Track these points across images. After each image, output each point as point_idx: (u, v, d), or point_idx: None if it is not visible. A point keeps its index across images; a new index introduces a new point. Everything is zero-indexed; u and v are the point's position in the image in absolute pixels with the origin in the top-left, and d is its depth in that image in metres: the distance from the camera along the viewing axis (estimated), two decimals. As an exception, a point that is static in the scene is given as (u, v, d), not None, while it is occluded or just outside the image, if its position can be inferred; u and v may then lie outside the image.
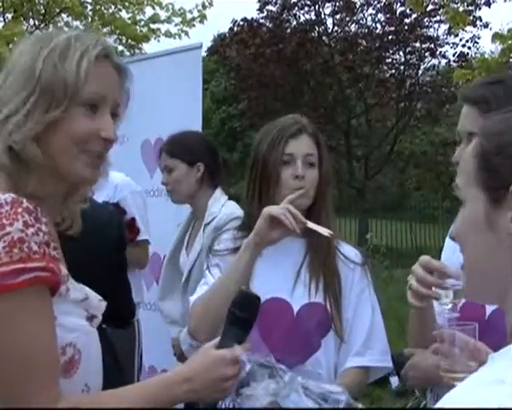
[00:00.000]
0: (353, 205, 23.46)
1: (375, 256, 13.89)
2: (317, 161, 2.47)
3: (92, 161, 1.59)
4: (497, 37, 10.22)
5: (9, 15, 13.29)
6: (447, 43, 24.31)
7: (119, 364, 3.56)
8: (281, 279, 2.42)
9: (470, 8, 20.65)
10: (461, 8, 11.25)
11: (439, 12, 19.55)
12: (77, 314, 1.54)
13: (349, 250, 2.52)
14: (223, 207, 3.38)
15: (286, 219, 2.22)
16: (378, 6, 24.36)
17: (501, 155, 1.13)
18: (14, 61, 1.59)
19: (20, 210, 1.42)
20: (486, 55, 13.76)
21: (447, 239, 2.39)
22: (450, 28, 21.96)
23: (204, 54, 37.99)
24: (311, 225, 2.30)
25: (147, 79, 4.61)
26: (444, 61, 24.95)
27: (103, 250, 2.60)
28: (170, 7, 13.22)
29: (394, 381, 6.97)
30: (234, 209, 3.35)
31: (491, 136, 1.18)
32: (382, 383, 6.41)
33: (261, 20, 24.68)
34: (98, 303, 1.63)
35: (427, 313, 2.15)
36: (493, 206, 1.13)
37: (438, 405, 1.02)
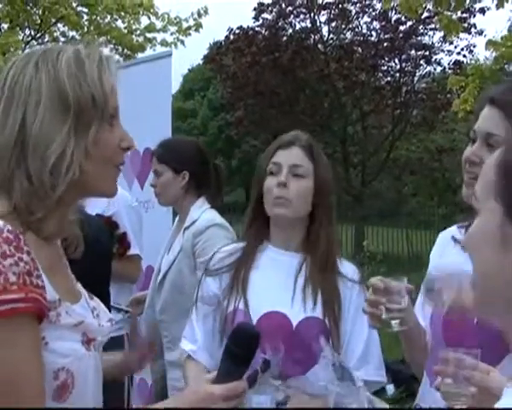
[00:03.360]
0: (350, 212, 23.49)
1: (371, 263, 13.88)
2: (312, 173, 2.47)
3: (116, 176, 1.61)
4: (490, 44, 10.26)
5: (5, 25, 13.32)
6: (442, 51, 24.41)
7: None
8: (279, 293, 2.43)
9: (465, 15, 20.73)
10: (455, 16, 11.29)
11: (434, 20, 19.62)
12: (70, 339, 1.52)
13: (347, 268, 2.53)
14: (203, 213, 3.46)
15: None
16: (373, 14, 24.43)
17: None
18: (27, 87, 1.49)
19: None
20: (482, 62, 13.83)
21: (436, 245, 2.43)
22: (445, 36, 22.03)
23: (200, 62, 38.17)
24: None
25: (123, 88, 4.62)
26: (439, 69, 25.04)
27: (96, 262, 2.64)
28: (165, 16, 13.26)
29: (390, 388, 7.04)
30: (214, 216, 3.45)
31: None
32: (378, 390, 6.44)
33: (257, 29, 24.75)
34: (98, 327, 1.61)
35: (413, 332, 2.18)
36: (510, 222, 1.06)
37: None
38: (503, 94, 2.04)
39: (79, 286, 1.71)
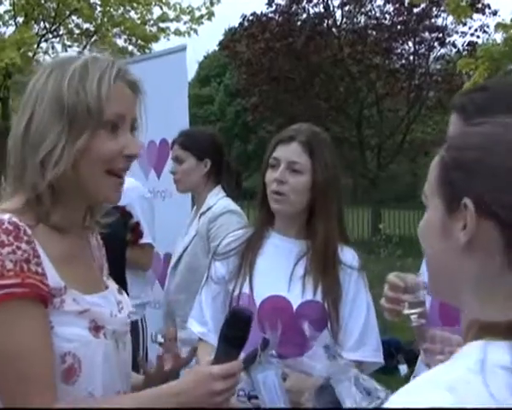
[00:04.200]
0: (366, 195, 23.51)
1: (387, 246, 13.90)
2: (310, 169, 2.54)
3: (116, 183, 1.69)
4: (500, 26, 10.27)
5: (20, 19, 13.51)
6: (456, 32, 24.31)
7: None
8: (281, 278, 2.55)
9: (479, -5, 20.64)
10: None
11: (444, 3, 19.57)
12: (75, 325, 1.60)
13: (347, 254, 2.62)
14: (219, 200, 3.61)
15: None
16: (386, -3, 24.39)
17: (457, 169, 1.17)
18: (38, 92, 1.63)
19: None
20: (499, 42, 13.78)
21: None
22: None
23: (216, 48, 38.18)
24: None
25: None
26: (454, 50, 24.92)
27: (111, 252, 2.78)
28: (177, 6, 13.37)
29: (403, 369, 7.13)
30: (229, 203, 3.60)
31: (452, 149, 1.21)
32: (392, 370, 6.55)
33: (270, 15, 24.77)
34: (108, 317, 1.69)
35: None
36: (448, 216, 1.18)
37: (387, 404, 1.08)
38: (459, 97, 2.21)
39: (109, 281, 1.86)
